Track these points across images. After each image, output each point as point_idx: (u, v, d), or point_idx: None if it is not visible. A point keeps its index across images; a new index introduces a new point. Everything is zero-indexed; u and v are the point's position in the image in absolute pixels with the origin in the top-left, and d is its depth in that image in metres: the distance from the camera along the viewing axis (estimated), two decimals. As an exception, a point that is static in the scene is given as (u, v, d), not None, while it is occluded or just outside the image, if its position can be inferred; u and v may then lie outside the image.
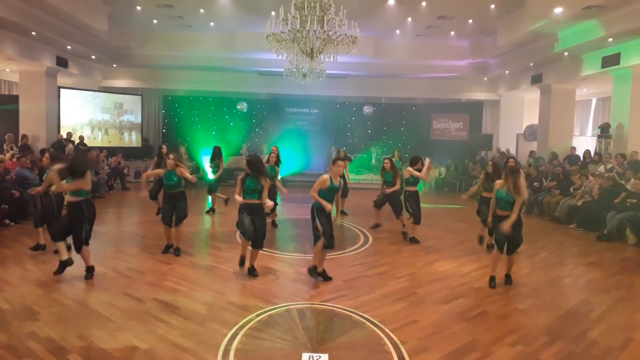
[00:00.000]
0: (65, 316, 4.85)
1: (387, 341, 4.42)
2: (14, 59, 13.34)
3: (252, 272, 6.32)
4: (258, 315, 4.95)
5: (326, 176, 5.99)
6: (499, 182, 6.24)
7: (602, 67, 12.54)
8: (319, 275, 6.15)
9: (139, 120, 18.32)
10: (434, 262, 7.25)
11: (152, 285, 5.86)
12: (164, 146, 8.85)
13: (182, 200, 7.31)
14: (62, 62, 14.66)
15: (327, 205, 5.87)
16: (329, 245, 6.02)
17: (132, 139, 18.11)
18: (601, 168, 11.13)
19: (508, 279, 6.34)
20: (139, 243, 8.07)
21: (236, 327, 4.63)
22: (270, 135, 18.15)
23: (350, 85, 19.18)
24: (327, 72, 12.49)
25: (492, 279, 6.19)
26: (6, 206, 8.89)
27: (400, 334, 4.56)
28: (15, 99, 14.54)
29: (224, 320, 4.81)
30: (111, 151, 15.48)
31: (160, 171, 7.40)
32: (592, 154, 12.94)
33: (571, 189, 10.74)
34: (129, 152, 17.11)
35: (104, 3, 13.07)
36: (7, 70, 15.82)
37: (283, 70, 12.75)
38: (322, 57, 9.42)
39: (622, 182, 9.95)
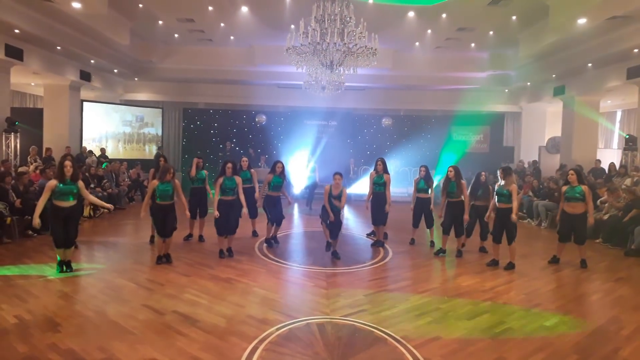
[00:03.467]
0: (86, 328, 4.85)
1: (410, 357, 4.31)
2: (39, 73, 13.65)
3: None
4: (278, 330, 4.88)
5: (327, 186, 7.92)
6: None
7: (628, 78, 12.32)
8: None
9: (160, 132, 18.53)
10: (456, 277, 7.10)
11: (171, 297, 5.83)
12: (161, 158, 8.82)
13: (172, 211, 7.36)
14: (85, 76, 14.94)
15: (331, 215, 7.76)
16: (332, 236, 7.93)
17: (153, 151, 18.31)
18: (627, 181, 10.86)
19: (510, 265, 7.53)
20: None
21: (256, 341, 4.57)
22: (288, 147, 18.17)
23: (368, 98, 19.17)
24: (346, 84, 12.49)
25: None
26: (29, 217, 9.00)
27: (423, 351, 4.45)
28: (39, 113, 14.83)
29: (244, 334, 4.76)
30: (131, 163, 15.64)
31: (154, 182, 7.36)
32: (618, 167, 12.66)
33: (598, 202, 10.49)
34: (148, 164, 17.25)
35: (126, 18, 13.32)
36: (33, 84, 16.19)
37: (302, 83, 12.80)
38: (341, 69, 9.42)
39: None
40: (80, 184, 6.68)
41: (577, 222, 7.74)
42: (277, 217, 8.68)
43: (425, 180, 8.91)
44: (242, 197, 7.81)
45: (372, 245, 9.13)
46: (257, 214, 9.69)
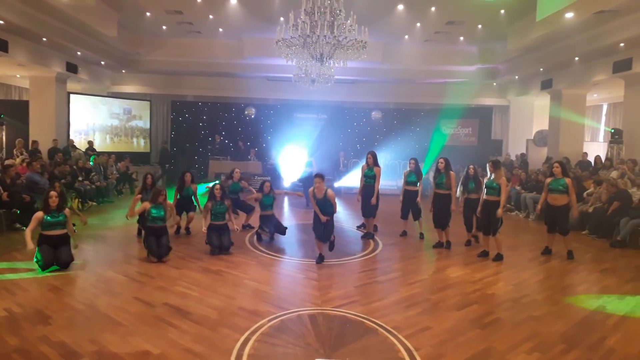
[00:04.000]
0: (77, 320, 4.85)
1: (401, 347, 4.36)
2: (25, 65, 13.45)
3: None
4: (269, 321, 4.91)
5: (311, 189, 7.26)
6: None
7: (614, 72, 12.45)
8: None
9: (148, 125, 18.39)
10: (445, 269, 7.17)
11: (162, 289, 5.83)
12: (149, 176, 8.75)
13: (166, 234, 7.33)
14: (72, 68, 14.76)
15: (321, 217, 7.10)
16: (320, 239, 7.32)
17: (141, 144, 18.18)
18: (613, 174, 11.01)
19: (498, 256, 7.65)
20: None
21: (248, 333, 4.59)
22: (278, 140, 18.14)
23: (358, 91, 19.16)
24: (336, 77, 12.47)
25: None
26: (17, 210, 8.93)
27: (414, 341, 4.50)
28: (25, 105, 14.65)
29: (236, 325, 4.78)
30: (119, 156, 15.51)
31: (146, 204, 7.38)
32: (603, 160, 12.82)
33: (584, 195, 10.63)
34: (137, 157, 17.17)
35: (113, 9, 13.16)
36: (18, 76, 15.96)
37: (292, 75, 12.76)
38: (331, 62, 9.41)
39: (634, 189, 9.87)
40: (67, 212, 6.63)
41: (559, 213, 7.84)
42: (278, 229, 8.67)
43: (415, 173, 8.97)
44: (231, 223, 7.89)
45: (362, 237, 9.18)
46: (253, 209, 9.64)
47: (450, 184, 8.32)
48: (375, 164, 9.02)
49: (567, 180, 7.79)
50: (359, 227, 9.94)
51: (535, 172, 12.99)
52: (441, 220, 8.35)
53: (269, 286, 6.15)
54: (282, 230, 8.67)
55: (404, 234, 9.32)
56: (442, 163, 8.42)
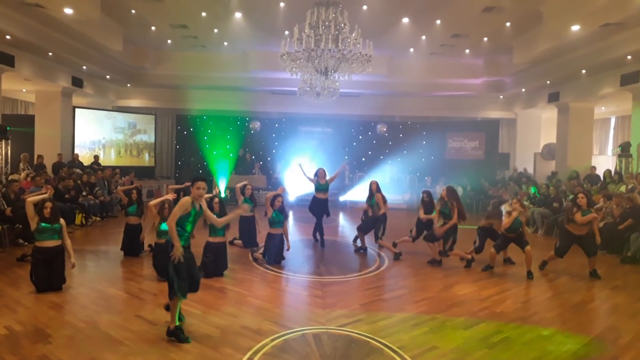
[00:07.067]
0: (78, 339, 4.75)
1: (408, 369, 4.24)
2: (31, 80, 13.54)
3: None
4: (273, 340, 4.80)
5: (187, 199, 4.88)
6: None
7: (621, 85, 12.36)
8: None
9: (152, 139, 18.41)
10: (452, 286, 7.03)
11: (162, 305, 5.72)
12: (134, 191, 8.51)
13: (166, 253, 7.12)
14: (77, 82, 14.84)
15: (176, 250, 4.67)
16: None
17: (146, 159, 18.18)
18: (622, 188, 10.86)
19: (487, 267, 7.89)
20: (151, 264, 7.93)
21: (250, 353, 4.48)
22: (283, 153, 18.09)
23: (363, 104, 19.10)
24: (341, 90, 12.45)
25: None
26: (20, 226, 8.88)
27: (421, 362, 4.38)
28: (31, 120, 14.70)
29: (238, 345, 4.67)
30: (124, 170, 15.49)
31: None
32: (612, 174, 12.67)
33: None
34: (142, 172, 17.17)
35: (119, 24, 13.24)
36: (24, 90, 16.06)
37: (296, 89, 12.74)
38: (336, 75, 9.38)
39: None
40: (62, 222, 6.44)
41: (584, 241, 7.66)
42: (277, 258, 8.12)
43: (427, 207, 8.78)
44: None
45: (355, 251, 9.24)
46: (257, 244, 9.00)
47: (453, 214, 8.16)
48: (378, 190, 8.99)
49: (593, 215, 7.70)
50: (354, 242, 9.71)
51: (544, 187, 12.81)
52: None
53: (272, 304, 6.04)
54: (280, 259, 8.12)
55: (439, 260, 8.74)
56: (444, 192, 8.29)
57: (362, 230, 9.18)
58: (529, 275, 7.53)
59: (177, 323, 4.81)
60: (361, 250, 9.17)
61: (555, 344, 4.89)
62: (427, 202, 8.70)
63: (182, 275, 4.69)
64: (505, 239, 7.88)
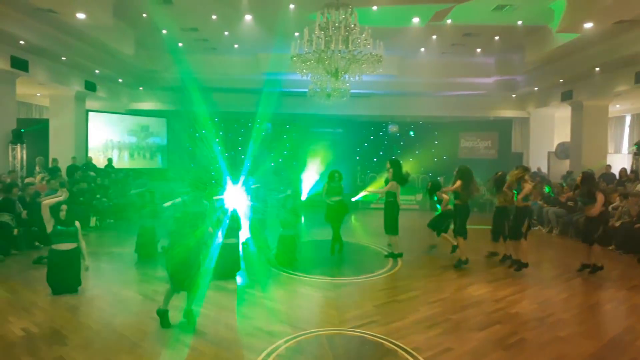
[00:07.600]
0: (94, 341, 4.80)
1: (423, 371, 4.22)
2: (45, 84, 13.69)
3: None
4: (286, 342, 4.80)
5: None
6: None
7: (636, 82, 12.19)
8: None
9: (165, 142, 18.53)
10: (467, 286, 6.98)
11: (179, 309, 5.75)
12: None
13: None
14: (90, 86, 14.99)
15: None
16: None
17: (159, 161, 18.30)
18: (639, 187, 10.72)
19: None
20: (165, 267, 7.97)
21: (264, 354, 4.49)
22: (294, 155, 18.09)
23: (374, 104, 19.06)
24: (352, 91, 12.41)
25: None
26: (36, 228, 8.97)
27: (436, 363, 4.35)
28: (45, 124, 14.87)
29: (252, 346, 4.68)
30: (137, 173, 15.56)
31: None
32: (628, 172, 12.50)
33: (610, 208, 10.32)
34: (155, 174, 17.25)
35: (131, 28, 13.36)
36: (38, 94, 16.25)
37: (307, 90, 12.73)
38: (346, 76, 9.35)
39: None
40: (77, 225, 6.50)
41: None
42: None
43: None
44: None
45: (386, 256, 8.81)
46: None
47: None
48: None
49: None
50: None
51: (558, 186, 12.67)
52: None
53: (285, 305, 6.04)
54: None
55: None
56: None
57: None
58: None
59: (166, 308, 5.25)
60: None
61: (572, 346, 4.83)
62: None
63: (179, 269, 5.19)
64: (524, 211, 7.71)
